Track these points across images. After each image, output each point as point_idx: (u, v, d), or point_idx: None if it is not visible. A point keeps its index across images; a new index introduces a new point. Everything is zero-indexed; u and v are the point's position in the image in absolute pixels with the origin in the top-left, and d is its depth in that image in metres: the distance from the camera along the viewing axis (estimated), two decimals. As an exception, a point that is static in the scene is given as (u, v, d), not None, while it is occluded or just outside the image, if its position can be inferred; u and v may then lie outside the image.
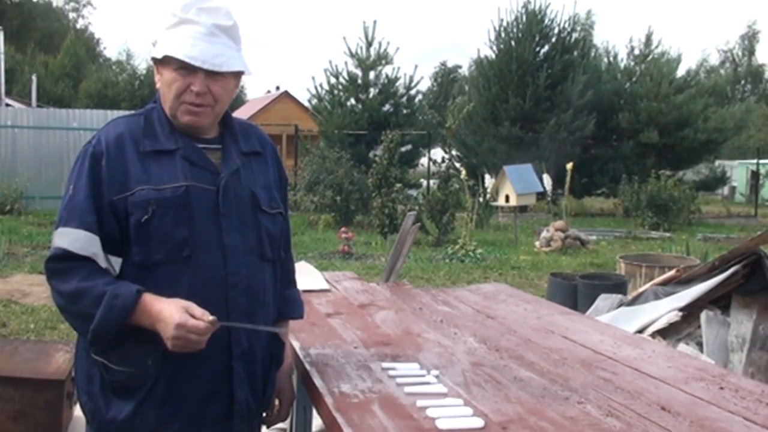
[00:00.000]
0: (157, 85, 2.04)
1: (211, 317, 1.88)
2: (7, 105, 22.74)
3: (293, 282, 2.33)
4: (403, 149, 19.36)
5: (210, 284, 1.98)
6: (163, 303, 1.89)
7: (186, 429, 2.00)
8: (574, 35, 23.11)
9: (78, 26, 55.16)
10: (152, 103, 2.10)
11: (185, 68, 1.96)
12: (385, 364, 2.33)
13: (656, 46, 24.40)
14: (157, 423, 1.96)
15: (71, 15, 56.54)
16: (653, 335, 4.58)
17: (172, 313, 1.86)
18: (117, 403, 1.97)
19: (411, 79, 22.62)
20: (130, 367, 1.95)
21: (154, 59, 2.02)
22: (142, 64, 44.13)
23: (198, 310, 1.88)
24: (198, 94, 1.97)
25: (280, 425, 2.48)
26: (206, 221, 1.98)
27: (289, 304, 2.27)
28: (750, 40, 56.30)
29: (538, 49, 22.15)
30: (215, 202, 2.00)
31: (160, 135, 2.02)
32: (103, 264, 1.93)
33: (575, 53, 22.59)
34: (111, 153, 1.97)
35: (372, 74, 22.03)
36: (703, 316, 4.61)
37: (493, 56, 22.59)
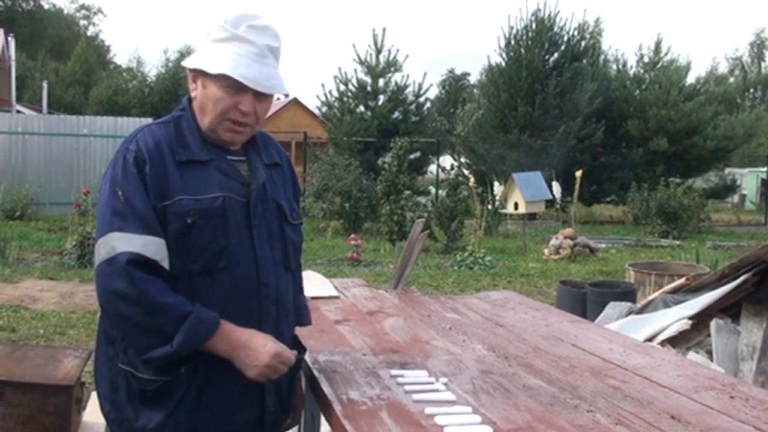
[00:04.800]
0: (193, 94, 2.03)
1: (294, 351, 2.01)
2: (18, 111, 22.90)
3: (302, 290, 2.36)
4: (412, 156, 19.37)
5: (244, 295, 2.00)
6: (247, 332, 1.94)
7: None
8: (583, 43, 23.10)
9: (89, 33, 55.48)
10: (179, 110, 2.09)
11: (235, 87, 1.96)
12: (394, 372, 2.32)
13: (665, 54, 24.37)
14: (188, 431, 1.97)
15: (82, 22, 56.91)
16: (663, 343, 4.56)
17: (266, 343, 1.93)
18: (146, 412, 1.96)
19: (420, 86, 22.69)
20: (162, 375, 1.94)
21: (195, 70, 2.00)
22: (152, 71, 44.37)
23: (281, 344, 1.99)
24: (244, 113, 2.00)
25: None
26: (240, 232, 2.00)
27: (300, 311, 2.30)
28: (759, 48, 56.16)
29: (547, 56, 22.15)
30: (246, 213, 2.03)
31: (193, 145, 2.02)
32: (167, 268, 1.92)
33: (584, 61, 22.57)
34: (153, 159, 1.95)
35: (381, 81, 22.09)
36: (713, 324, 4.59)
37: (503, 64, 22.60)
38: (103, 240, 1.91)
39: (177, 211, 1.93)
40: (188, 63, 2.02)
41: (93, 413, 3.97)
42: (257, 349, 1.92)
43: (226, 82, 1.95)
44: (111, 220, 1.91)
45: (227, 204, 1.99)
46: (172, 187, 1.95)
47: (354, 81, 22.08)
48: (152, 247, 1.90)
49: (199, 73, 1.99)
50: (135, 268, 1.86)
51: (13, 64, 24.07)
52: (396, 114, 22.24)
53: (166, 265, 1.91)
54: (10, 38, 23.58)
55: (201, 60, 1.98)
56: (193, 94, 2.03)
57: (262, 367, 1.92)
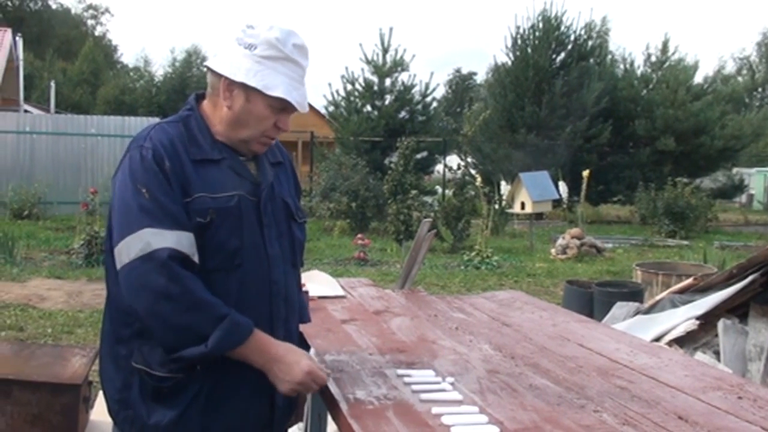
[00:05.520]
0: (226, 103, 2.01)
1: (327, 370, 2.02)
2: (26, 111, 22.93)
3: (301, 287, 2.38)
4: (418, 156, 19.36)
5: (257, 293, 2.02)
6: (285, 346, 1.96)
7: None
8: (590, 42, 23.10)
9: (96, 33, 55.57)
10: (186, 110, 2.10)
11: (279, 108, 2.01)
12: (401, 371, 2.32)
13: (673, 53, 24.33)
14: (201, 427, 1.98)
15: (89, 22, 57.01)
16: (670, 344, 4.55)
17: (300, 359, 1.94)
18: (159, 410, 1.96)
19: (427, 86, 22.68)
20: (177, 373, 1.94)
21: (243, 84, 1.97)
22: (159, 70, 44.43)
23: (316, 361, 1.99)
24: (281, 130, 2.06)
25: (295, 429, 2.50)
26: (252, 231, 2.02)
27: (301, 308, 2.32)
28: (767, 47, 55.91)
29: (554, 56, 22.14)
30: (258, 212, 2.04)
31: (204, 144, 2.03)
32: (197, 262, 1.91)
33: (591, 60, 22.57)
34: (171, 156, 1.96)
35: (388, 81, 22.09)
36: (721, 324, 4.57)
37: (510, 63, 22.59)
38: (134, 237, 1.88)
39: (197, 209, 1.94)
40: (234, 75, 1.98)
41: (101, 412, 3.98)
42: (291, 364, 1.93)
43: (276, 103, 1.99)
44: (139, 217, 1.89)
45: (242, 203, 2.01)
46: (192, 184, 1.95)
47: (361, 80, 22.10)
48: (185, 241, 1.90)
49: (244, 87, 1.98)
50: (175, 263, 1.86)
51: (21, 63, 24.10)
52: (403, 113, 22.24)
53: (196, 259, 1.92)
54: (18, 38, 23.63)
55: (252, 77, 1.96)
56: (226, 103, 2.01)
57: (295, 383, 1.94)
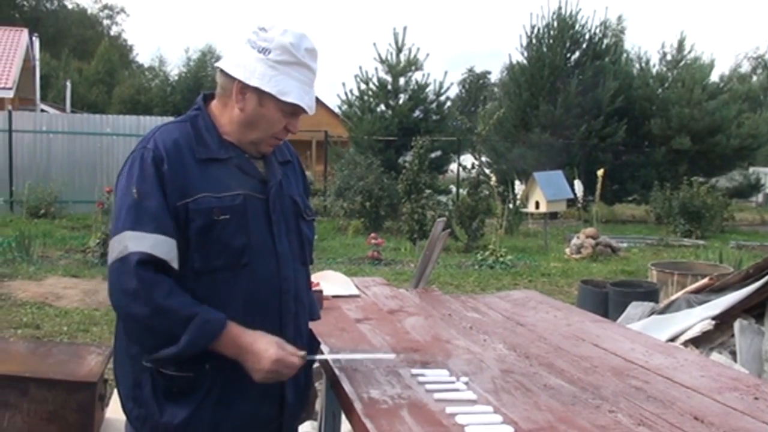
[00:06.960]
0: (239, 105, 2.03)
1: (301, 353, 1.97)
2: (43, 110, 23.09)
3: (311, 284, 2.39)
4: (432, 155, 19.30)
5: (266, 290, 2.04)
6: (254, 335, 1.95)
7: (238, 431, 2.04)
8: (605, 41, 23.01)
9: (112, 33, 55.80)
10: (194, 110, 2.12)
11: (291, 111, 2.03)
12: (415, 371, 2.33)
13: (689, 52, 24.12)
14: (212, 425, 2.00)
15: (105, 22, 57.23)
16: (686, 344, 4.53)
17: (267, 348, 1.93)
18: (171, 408, 1.98)
19: (441, 85, 22.61)
20: (188, 372, 1.96)
21: (256, 89, 1.99)
22: (174, 70, 44.59)
23: (289, 346, 1.96)
24: (290, 132, 2.08)
25: (308, 427, 2.50)
26: (261, 229, 2.04)
27: (311, 305, 2.33)
28: (782, 46, 55.34)
29: (569, 55, 22.08)
30: (266, 210, 2.06)
31: (211, 143, 2.05)
32: (176, 268, 1.94)
33: (606, 59, 22.46)
34: (171, 158, 1.98)
35: (402, 80, 22.02)
36: (737, 324, 4.55)
37: (525, 62, 22.54)
38: (117, 238, 1.93)
39: (200, 209, 1.96)
40: (248, 79, 2.00)
41: (116, 410, 3.99)
42: (259, 353, 1.93)
43: (287, 107, 2.01)
44: (125, 219, 1.94)
45: (248, 201, 2.02)
46: (194, 185, 1.97)
47: (375, 80, 22.03)
48: (162, 246, 1.92)
49: (257, 91, 2.00)
50: (144, 268, 1.89)
51: (38, 63, 24.31)
52: (417, 113, 22.17)
53: (175, 265, 1.93)
54: (34, 38, 23.82)
55: (267, 82, 1.98)
56: (238, 105, 2.03)
57: (265, 372, 1.94)
